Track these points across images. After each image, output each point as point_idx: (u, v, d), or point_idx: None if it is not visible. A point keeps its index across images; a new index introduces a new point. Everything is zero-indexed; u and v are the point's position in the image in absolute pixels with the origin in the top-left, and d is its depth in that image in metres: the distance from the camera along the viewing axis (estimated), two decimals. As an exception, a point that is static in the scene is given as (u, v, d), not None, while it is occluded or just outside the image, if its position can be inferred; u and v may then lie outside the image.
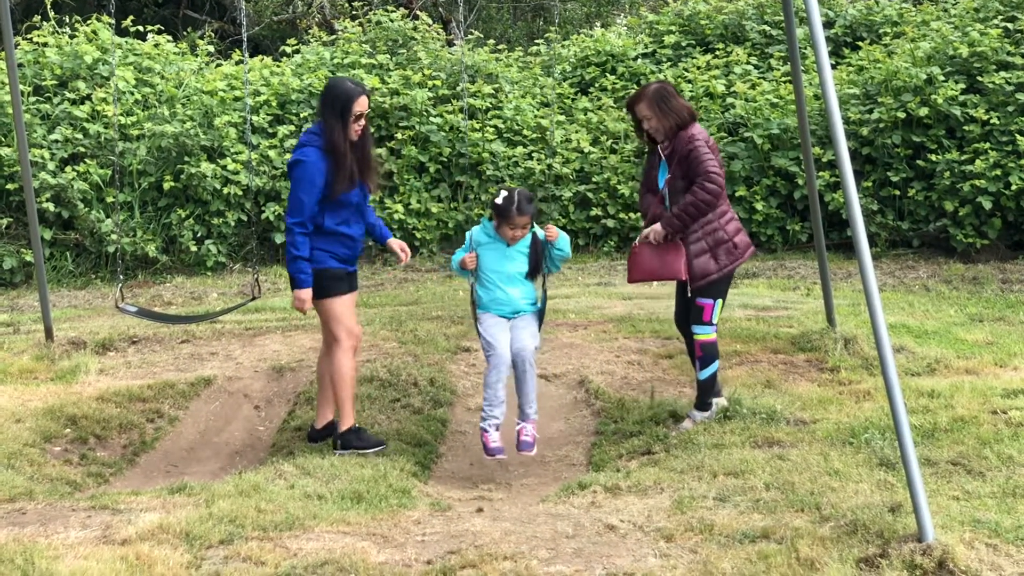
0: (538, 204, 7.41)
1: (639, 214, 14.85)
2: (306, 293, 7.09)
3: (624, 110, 16.32)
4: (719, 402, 7.51)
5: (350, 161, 7.09)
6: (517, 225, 7.05)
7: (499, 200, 7.08)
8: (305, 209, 7.00)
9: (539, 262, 7.20)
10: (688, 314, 7.37)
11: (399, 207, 14.58)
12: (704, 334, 7.26)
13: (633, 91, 16.51)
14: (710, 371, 7.31)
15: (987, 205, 13.72)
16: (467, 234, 7.33)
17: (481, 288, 7.18)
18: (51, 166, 13.60)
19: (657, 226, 7.16)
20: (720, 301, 7.26)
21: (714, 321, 7.25)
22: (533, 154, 15.35)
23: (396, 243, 7.56)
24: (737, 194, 14.65)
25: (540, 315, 7.30)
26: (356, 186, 7.16)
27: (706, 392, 7.37)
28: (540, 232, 7.22)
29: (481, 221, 7.30)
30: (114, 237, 13.53)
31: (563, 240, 7.18)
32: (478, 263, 7.16)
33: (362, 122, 7.13)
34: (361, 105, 7.08)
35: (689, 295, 7.25)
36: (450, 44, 18.96)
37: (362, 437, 7.25)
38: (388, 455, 7.07)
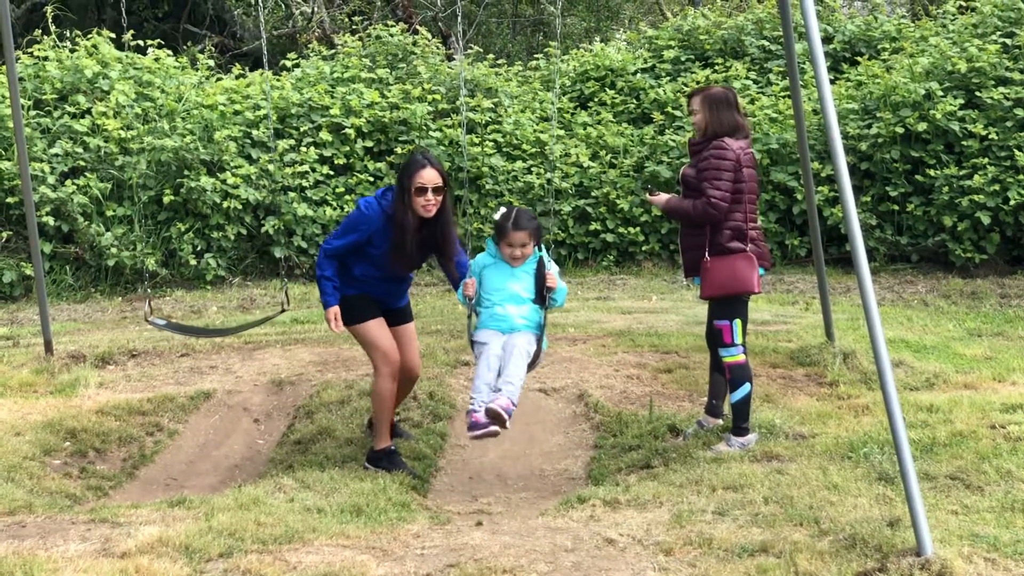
0: (541, 224, 7.11)
1: (638, 228, 14.93)
2: (331, 312, 7.02)
3: (624, 124, 16.38)
4: (716, 423, 7.50)
5: (411, 243, 6.87)
6: (515, 243, 6.77)
7: (497, 216, 6.90)
8: (334, 244, 6.98)
9: (544, 287, 6.83)
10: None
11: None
12: (730, 356, 7.16)
13: (635, 106, 16.68)
14: (741, 394, 7.14)
15: (985, 220, 13.75)
16: (471, 263, 7.06)
17: (481, 307, 6.92)
18: (51, 180, 13.62)
19: (661, 197, 7.26)
20: (739, 321, 7.12)
21: (737, 342, 7.12)
22: (532, 168, 15.38)
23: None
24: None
25: (537, 341, 6.83)
26: (415, 267, 7.10)
27: (741, 416, 7.17)
28: (548, 261, 6.90)
29: (486, 242, 7.10)
30: (113, 251, 13.54)
31: (560, 292, 6.88)
32: (480, 284, 6.91)
33: (429, 196, 6.80)
34: (424, 179, 6.79)
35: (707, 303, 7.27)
36: (449, 59, 19.01)
37: (393, 461, 7.18)
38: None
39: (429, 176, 6.80)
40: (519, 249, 6.79)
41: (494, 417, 6.41)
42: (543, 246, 6.99)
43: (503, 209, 6.92)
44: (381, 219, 6.87)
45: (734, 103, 7.22)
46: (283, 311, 8.57)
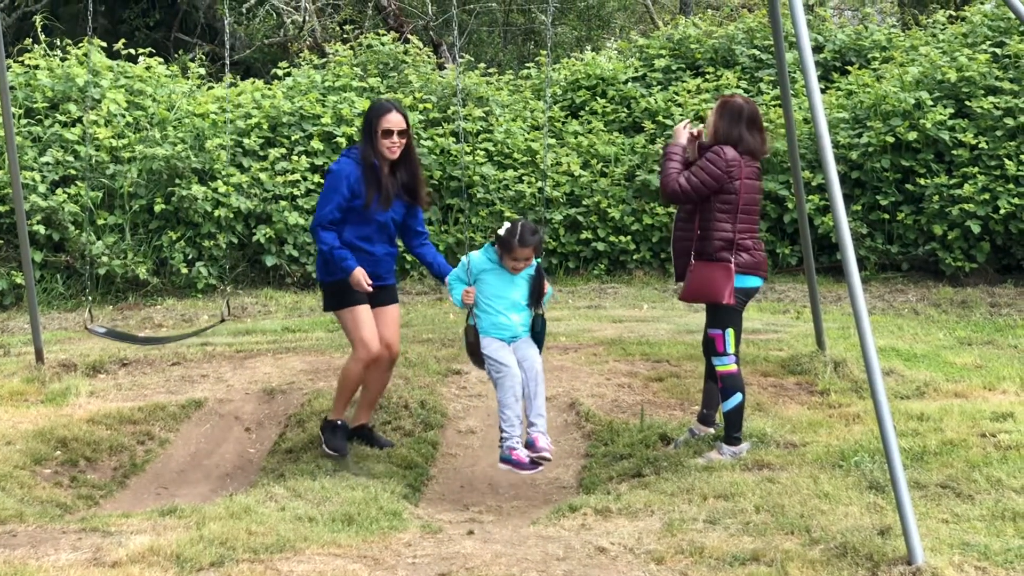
0: (542, 237, 7.25)
1: (629, 237, 14.95)
2: (357, 272, 7.21)
3: (615, 133, 16.40)
4: (707, 431, 7.52)
5: (385, 179, 7.30)
6: (519, 257, 6.93)
7: (502, 232, 6.94)
8: (322, 213, 7.27)
9: (540, 292, 7.09)
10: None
11: (390, 230, 14.58)
12: (722, 365, 7.17)
13: (625, 115, 16.69)
14: (733, 403, 7.14)
15: (976, 229, 13.78)
16: (462, 259, 7.15)
17: (481, 312, 7.02)
18: (42, 188, 13.61)
19: (683, 136, 7.26)
20: (731, 330, 7.14)
21: (729, 351, 7.14)
22: (523, 177, 15.39)
23: None
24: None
25: (539, 340, 7.14)
26: (390, 206, 7.34)
27: (733, 426, 7.17)
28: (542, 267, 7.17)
29: (484, 246, 7.17)
30: (104, 259, 13.53)
31: (548, 291, 7.25)
32: (479, 288, 7.03)
33: (394, 139, 7.28)
34: (389, 122, 7.26)
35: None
36: (441, 67, 19.02)
37: (335, 435, 7.53)
38: (379, 477, 7.07)
39: (395, 120, 7.29)
40: (523, 262, 6.99)
41: (537, 461, 6.82)
42: (540, 255, 7.21)
43: (507, 224, 6.97)
44: (355, 168, 7.29)
45: (745, 118, 7.16)
46: (223, 321, 8.61)
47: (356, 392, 7.65)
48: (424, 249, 7.72)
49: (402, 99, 15.63)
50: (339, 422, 7.58)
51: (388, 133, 7.27)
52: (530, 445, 6.84)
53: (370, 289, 7.26)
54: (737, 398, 7.15)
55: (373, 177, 7.28)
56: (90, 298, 9.02)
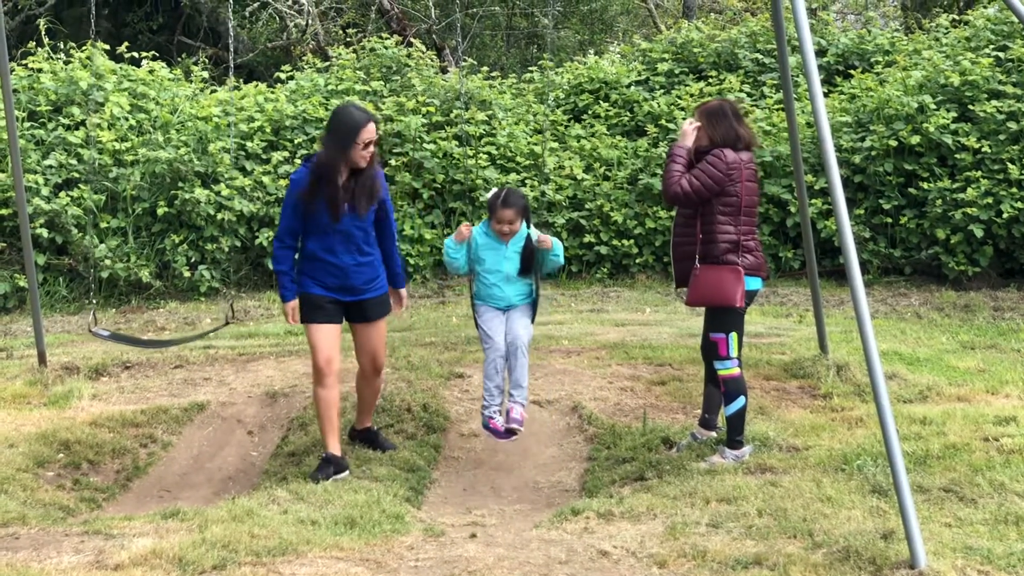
0: (529, 204, 7.60)
1: (631, 241, 14.95)
2: (288, 306, 7.21)
3: (617, 136, 16.40)
4: (709, 435, 7.51)
5: (338, 188, 7.09)
6: (504, 219, 7.48)
7: (488, 196, 7.64)
8: (282, 226, 7.21)
9: (531, 261, 7.58)
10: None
11: (392, 233, 14.59)
12: (724, 369, 7.16)
13: (628, 118, 16.70)
14: (736, 407, 7.13)
15: (979, 233, 13.77)
16: (446, 241, 7.72)
17: (479, 283, 7.63)
18: (45, 192, 13.62)
19: (690, 136, 7.24)
20: (735, 334, 7.13)
21: (732, 355, 7.13)
22: (526, 181, 15.38)
23: (402, 293, 7.69)
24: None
25: (533, 307, 7.70)
26: (339, 215, 7.12)
27: (735, 429, 7.17)
28: (534, 234, 7.60)
29: (482, 222, 7.72)
30: (107, 262, 13.55)
31: (557, 247, 7.64)
32: (478, 264, 7.59)
33: (371, 149, 7.17)
34: (369, 133, 7.11)
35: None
36: (444, 71, 19.02)
37: (321, 470, 7.18)
38: (381, 480, 7.06)
39: (373, 130, 7.16)
40: (507, 225, 7.52)
41: (510, 431, 7.59)
42: (530, 224, 7.70)
43: (494, 189, 7.65)
44: (309, 175, 7.12)
45: (730, 114, 7.23)
46: (227, 324, 8.58)
47: (333, 413, 7.31)
48: (388, 250, 7.52)
49: (405, 102, 15.65)
50: (326, 455, 7.24)
51: (368, 144, 7.13)
52: (506, 414, 7.56)
53: (293, 323, 7.28)
54: (740, 402, 7.14)
55: (325, 186, 7.07)
56: (94, 302, 9.03)
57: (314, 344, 7.24)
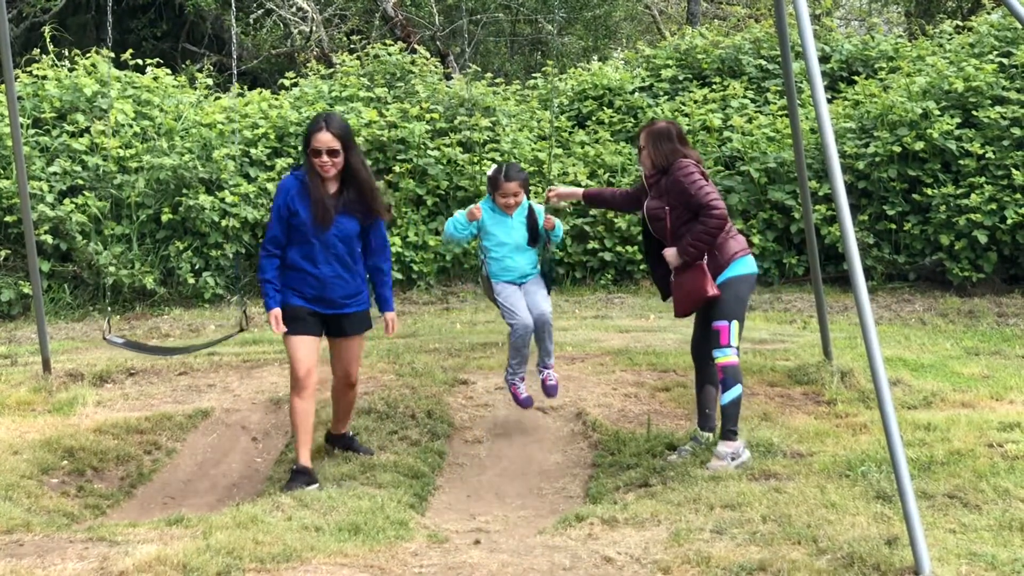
0: (528, 176, 7.87)
1: (635, 247, 14.95)
2: (272, 315, 7.12)
3: (621, 143, 16.41)
4: (707, 436, 7.52)
5: (323, 195, 7.03)
6: (508, 192, 7.94)
7: (489, 172, 8.06)
8: (267, 234, 7.17)
9: (536, 230, 8.02)
10: (705, 341, 7.40)
11: (396, 240, 14.62)
12: (723, 356, 7.20)
13: (632, 124, 16.71)
14: (733, 395, 7.17)
15: (983, 239, 13.77)
16: (453, 216, 8.16)
17: (491, 259, 8.01)
18: (50, 198, 13.64)
19: (672, 252, 7.28)
20: (736, 323, 7.20)
21: (733, 344, 7.18)
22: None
23: (389, 318, 7.56)
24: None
25: (548, 279, 8.16)
26: (329, 224, 7.06)
27: (730, 419, 7.20)
28: (536, 206, 8.10)
29: (483, 199, 8.19)
30: (112, 269, 13.56)
31: (558, 227, 8.13)
32: (486, 239, 8.02)
33: (324, 158, 6.98)
34: (317, 141, 6.96)
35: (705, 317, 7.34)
36: (448, 77, 19.04)
37: (293, 480, 7.10)
38: (385, 487, 7.06)
39: (323, 139, 6.95)
40: (512, 198, 7.97)
41: (548, 393, 8.34)
42: (530, 195, 8.16)
43: (494, 165, 8.15)
44: (295, 184, 7.10)
45: (676, 136, 7.46)
46: (241, 331, 8.55)
47: (309, 425, 7.21)
48: (377, 271, 7.45)
49: (409, 109, 15.66)
50: (295, 467, 7.18)
51: (316, 152, 6.98)
52: (543, 384, 8.25)
53: (278, 332, 7.16)
54: (737, 390, 7.21)
55: (311, 193, 7.02)
56: (109, 309, 9.05)
57: (292, 355, 7.17)
